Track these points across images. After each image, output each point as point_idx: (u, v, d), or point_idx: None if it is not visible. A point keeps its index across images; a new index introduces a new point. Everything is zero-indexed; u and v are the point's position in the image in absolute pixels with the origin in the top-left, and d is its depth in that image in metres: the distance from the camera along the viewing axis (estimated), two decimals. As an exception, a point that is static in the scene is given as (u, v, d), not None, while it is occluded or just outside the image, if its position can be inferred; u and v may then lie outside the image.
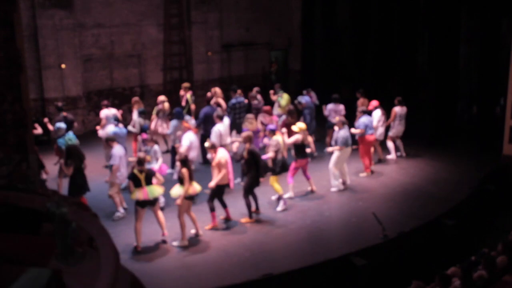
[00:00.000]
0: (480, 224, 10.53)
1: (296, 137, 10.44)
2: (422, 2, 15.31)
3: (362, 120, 11.84)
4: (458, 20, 14.82)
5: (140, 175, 8.52)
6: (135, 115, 12.59)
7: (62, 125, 10.74)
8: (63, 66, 15.29)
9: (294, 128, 10.74)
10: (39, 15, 14.83)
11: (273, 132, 10.31)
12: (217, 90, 13.76)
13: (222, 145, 10.46)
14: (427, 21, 14.75)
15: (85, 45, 15.98)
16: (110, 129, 11.55)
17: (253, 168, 9.48)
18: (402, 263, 8.64)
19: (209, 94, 13.78)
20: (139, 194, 8.47)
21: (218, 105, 13.00)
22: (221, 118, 11.32)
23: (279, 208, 10.03)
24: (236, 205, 9.92)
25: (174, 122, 11.73)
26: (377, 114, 12.35)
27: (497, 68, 13.78)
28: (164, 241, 8.74)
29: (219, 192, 9.32)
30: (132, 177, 8.58)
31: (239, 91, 13.52)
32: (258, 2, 19.64)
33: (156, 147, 10.32)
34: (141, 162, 8.63)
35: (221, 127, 11.21)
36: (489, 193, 10.99)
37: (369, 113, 12.28)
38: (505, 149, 12.58)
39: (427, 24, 14.69)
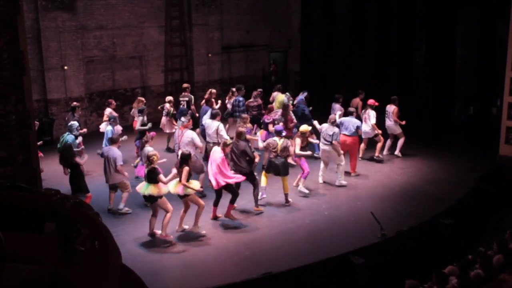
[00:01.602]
0: (476, 223, 10.61)
1: (297, 142, 10.65)
2: (420, 5, 15.39)
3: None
4: (455, 21, 14.92)
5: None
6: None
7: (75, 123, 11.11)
8: (65, 67, 15.44)
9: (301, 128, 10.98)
10: (42, 17, 14.95)
11: (278, 133, 10.46)
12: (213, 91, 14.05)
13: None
14: (424, 23, 14.82)
15: (87, 47, 16.11)
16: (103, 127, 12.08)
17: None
18: (400, 261, 8.72)
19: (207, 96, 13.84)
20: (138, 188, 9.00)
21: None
22: (214, 116, 11.53)
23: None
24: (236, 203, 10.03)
25: (178, 122, 12.51)
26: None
27: (494, 69, 13.85)
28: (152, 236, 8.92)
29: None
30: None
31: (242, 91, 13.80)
32: (258, 4, 19.75)
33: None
34: (147, 159, 8.93)
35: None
36: (486, 193, 11.04)
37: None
38: (502, 149, 12.65)
39: (425, 26, 14.76)
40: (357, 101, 14.06)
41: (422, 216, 9.81)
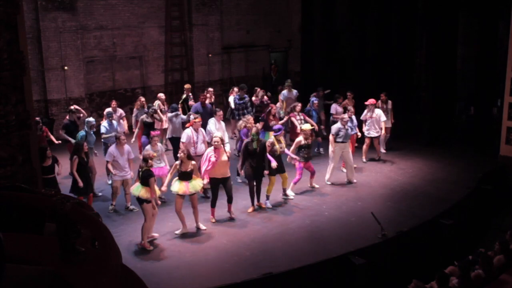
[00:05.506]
0: (477, 224, 10.61)
1: (298, 140, 10.68)
2: (420, 5, 15.39)
3: None
4: (456, 22, 14.91)
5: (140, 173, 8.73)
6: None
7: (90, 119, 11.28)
8: (66, 68, 15.44)
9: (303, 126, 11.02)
10: (42, 17, 14.96)
11: (276, 131, 10.65)
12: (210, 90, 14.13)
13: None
14: (425, 23, 14.83)
15: (88, 47, 16.12)
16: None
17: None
18: (400, 262, 8.71)
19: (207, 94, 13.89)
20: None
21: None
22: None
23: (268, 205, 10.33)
24: (236, 203, 10.04)
25: None
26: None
27: (494, 69, 13.86)
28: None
29: (213, 186, 9.49)
30: None
31: (245, 89, 13.86)
32: (259, 4, 19.76)
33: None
34: (144, 159, 8.77)
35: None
36: (486, 193, 11.05)
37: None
38: (502, 149, 12.65)
39: (425, 26, 14.77)
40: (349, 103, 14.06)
41: (423, 216, 9.80)
